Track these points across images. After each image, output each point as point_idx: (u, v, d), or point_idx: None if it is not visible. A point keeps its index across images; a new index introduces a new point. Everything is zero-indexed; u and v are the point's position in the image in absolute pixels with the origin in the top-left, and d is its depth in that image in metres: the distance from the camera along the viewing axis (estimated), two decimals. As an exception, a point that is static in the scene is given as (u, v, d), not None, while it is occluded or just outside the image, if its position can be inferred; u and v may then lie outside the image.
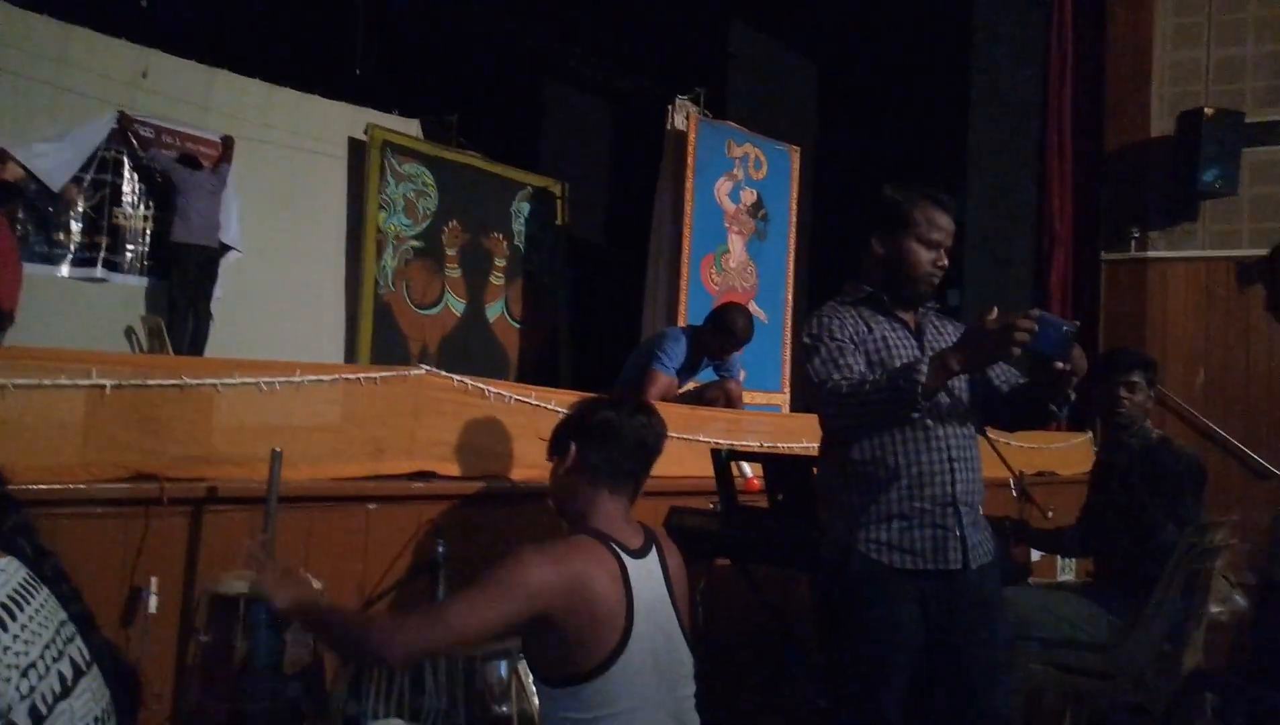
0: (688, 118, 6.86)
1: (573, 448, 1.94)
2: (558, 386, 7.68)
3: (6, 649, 1.06)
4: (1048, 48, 7.08)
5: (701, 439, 3.88)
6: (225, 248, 6.90)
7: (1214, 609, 3.03)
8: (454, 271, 7.64)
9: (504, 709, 2.33)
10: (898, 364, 2.22)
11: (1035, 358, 2.09)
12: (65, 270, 6.44)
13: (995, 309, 2.11)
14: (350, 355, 7.04)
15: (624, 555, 1.90)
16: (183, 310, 6.58)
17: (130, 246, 6.74)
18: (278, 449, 2.43)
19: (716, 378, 4.80)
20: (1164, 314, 6.78)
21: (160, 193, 6.78)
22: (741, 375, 5.03)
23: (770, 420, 4.74)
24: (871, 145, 7.80)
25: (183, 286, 6.58)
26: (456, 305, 7.67)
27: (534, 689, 2.33)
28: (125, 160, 6.66)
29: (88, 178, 6.50)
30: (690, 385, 4.73)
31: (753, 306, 7.05)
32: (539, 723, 2.21)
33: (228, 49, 7.08)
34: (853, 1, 7.30)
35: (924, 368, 2.08)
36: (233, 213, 6.94)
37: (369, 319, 7.05)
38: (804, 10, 7.48)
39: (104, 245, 6.58)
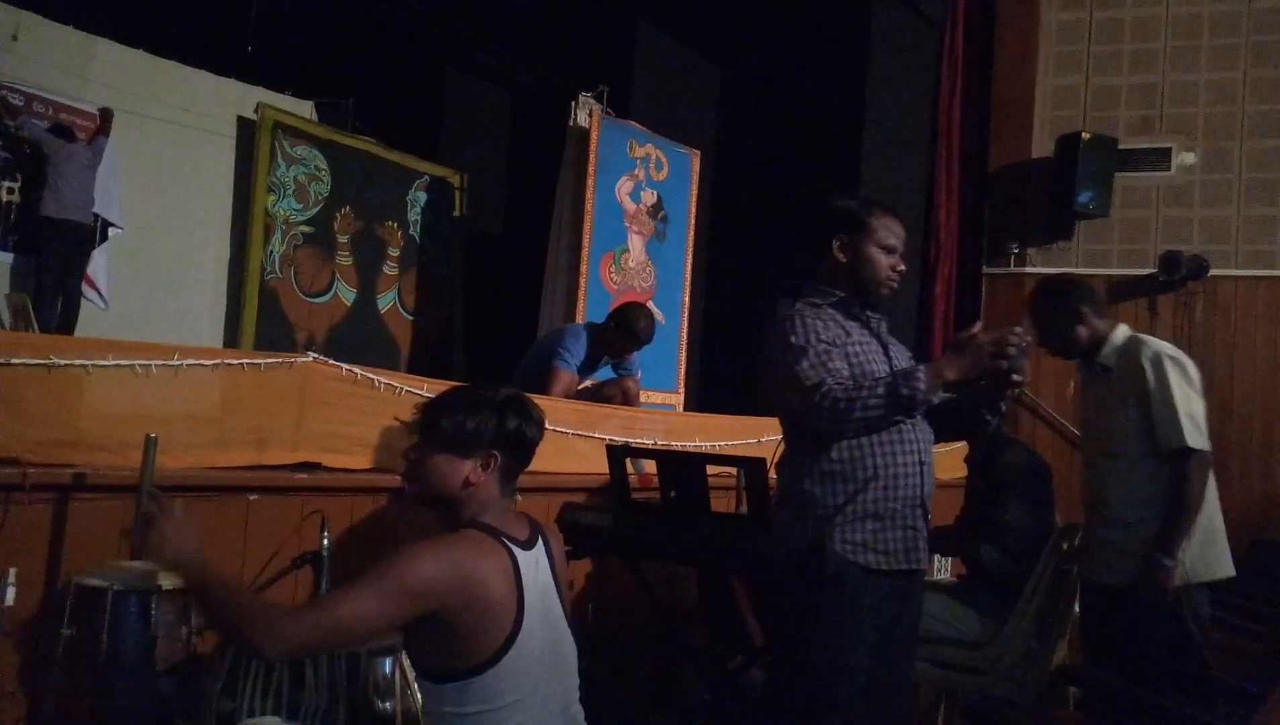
0: (590, 115, 6.84)
1: (497, 457, 1.87)
2: (451, 380, 7.64)
3: None
4: (939, 67, 7.35)
5: (596, 436, 3.88)
6: (103, 224, 6.55)
7: (1079, 608, 3.18)
8: (345, 259, 7.44)
9: (388, 705, 2.27)
10: (872, 371, 2.27)
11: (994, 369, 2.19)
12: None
13: (979, 323, 2.23)
14: (232, 341, 6.76)
15: (514, 548, 1.88)
16: (51, 289, 6.21)
17: (-7, 219, 6.36)
18: (152, 435, 2.31)
19: (614, 376, 4.81)
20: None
21: (30, 164, 6.39)
22: (638, 375, 5.06)
23: (665, 419, 4.78)
24: (769, 151, 7.95)
25: (52, 264, 6.21)
26: (347, 294, 7.46)
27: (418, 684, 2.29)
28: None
29: None
30: (588, 383, 4.72)
31: (651, 306, 7.09)
32: (422, 719, 2.17)
33: (110, 16, 6.72)
34: (756, 9, 7.41)
35: (921, 376, 2.16)
36: (112, 188, 6.59)
37: (253, 305, 6.80)
38: (709, 14, 7.56)
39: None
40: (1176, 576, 2.67)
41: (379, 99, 8.12)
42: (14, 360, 2.40)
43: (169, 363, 2.65)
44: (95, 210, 6.43)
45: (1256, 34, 6.87)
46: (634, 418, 4.32)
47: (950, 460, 6.11)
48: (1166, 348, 2.84)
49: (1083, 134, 6.89)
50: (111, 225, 6.61)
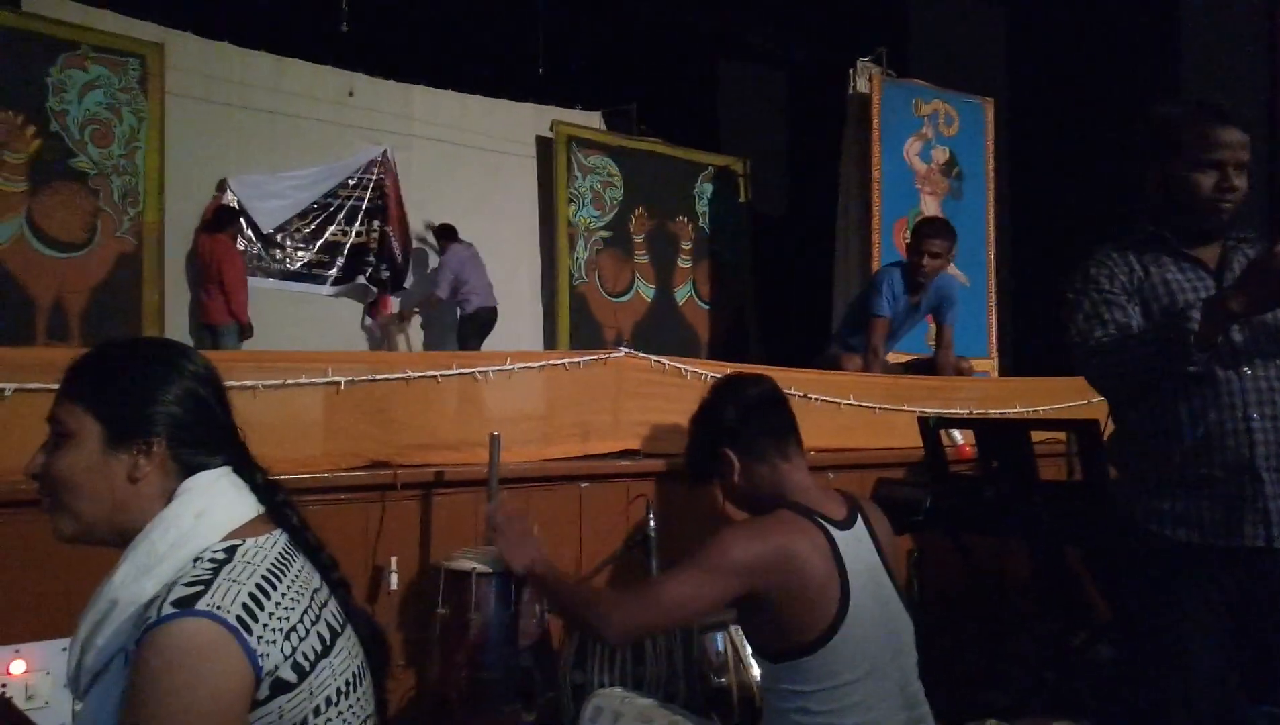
0: (870, 80, 6.66)
1: (730, 456, 1.91)
2: (748, 363, 7.76)
3: (272, 614, 1.16)
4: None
5: (906, 409, 3.78)
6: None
7: None
8: (642, 258, 7.78)
9: (723, 680, 2.36)
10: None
11: None
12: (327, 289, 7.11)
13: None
14: (550, 345, 7.32)
15: (829, 526, 1.86)
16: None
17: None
18: (496, 433, 2.56)
19: (938, 326, 4.62)
20: None
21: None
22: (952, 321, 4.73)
23: (980, 385, 4.54)
24: (1072, 90, 7.29)
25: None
26: (647, 291, 7.80)
27: (752, 661, 2.36)
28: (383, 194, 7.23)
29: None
30: (917, 356, 4.59)
31: (953, 270, 6.78)
32: (760, 695, 2.23)
33: (423, 66, 7.50)
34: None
35: (1196, 314, 1.85)
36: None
37: (566, 310, 7.30)
38: (987, -47, 7.08)
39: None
40: None
41: (660, 100, 8.40)
42: (379, 376, 2.75)
43: (503, 368, 2.92)
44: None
45: None
46: (944, 387, 4.16)
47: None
48: None
49: None
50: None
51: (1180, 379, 1.96)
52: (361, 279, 7.30)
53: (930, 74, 6.93)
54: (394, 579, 2.59)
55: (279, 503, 1.34)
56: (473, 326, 7.19)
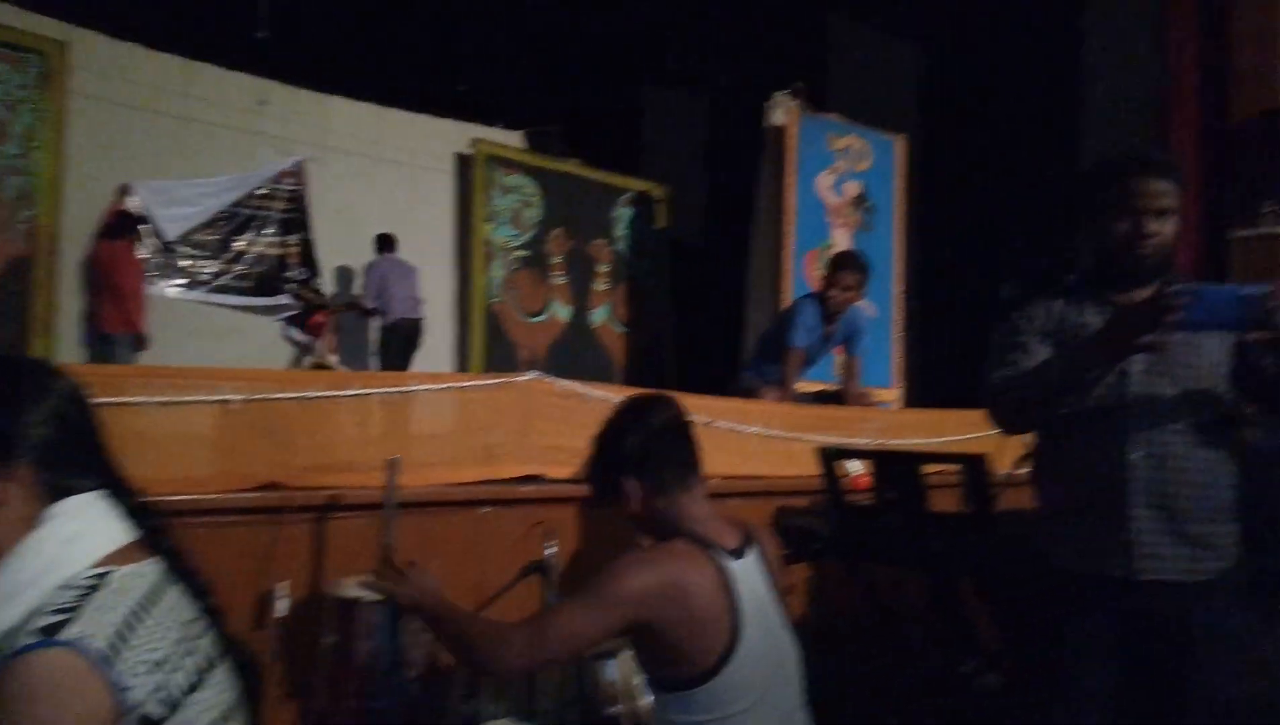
0: (786, 113, 6.80)
1: (629, 485, 1.90)
2: (664, 388, 7.80)
3: (140, 646, 1.12)
4: (1165, 18, 6.75)
5: (808, 438, 3.84)
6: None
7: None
8: (559, 279, 7.78)
9: (615, 710, 2.35)
10: None
11: (1213, 333, 1.94)
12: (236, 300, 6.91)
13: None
14: (463, 364, 7.25)
15: (722, 557, 1.87)
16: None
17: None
18: (395, 457, 2.52)
19: (847, 356, 4.80)
20: (1304, 292, 6.36)
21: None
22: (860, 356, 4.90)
23: (882, 416, 4.66)
24: (980, 129, 7.57)
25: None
26: (563, 312, 7.80)
27: (644, 690, 2.36)
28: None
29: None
30: (827, 386, 4.74)
31: (861, 301, 6.95)
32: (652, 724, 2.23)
33: (343, 74, 7.40)
34: (953, -17, 7.11)
35: (1069, 355, 2.00)
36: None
37: (480, 329, 7.25)
38: (903, -5, 7.33)
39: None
40: None
41: (583, 122, 8.44)
42: (273, 395, 2.69)
43: (404, 389, 2.88)
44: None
45: None
46: (852, 417, 4.25)
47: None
48: None
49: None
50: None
51: (1070, 418, 2.05)
52: (284, 295, 7.14)
53: (845, 109, 7.12)
54: (283, 605, 2.52)
55: (154, 528, 1.30)
56: (394, 339, 7.08)
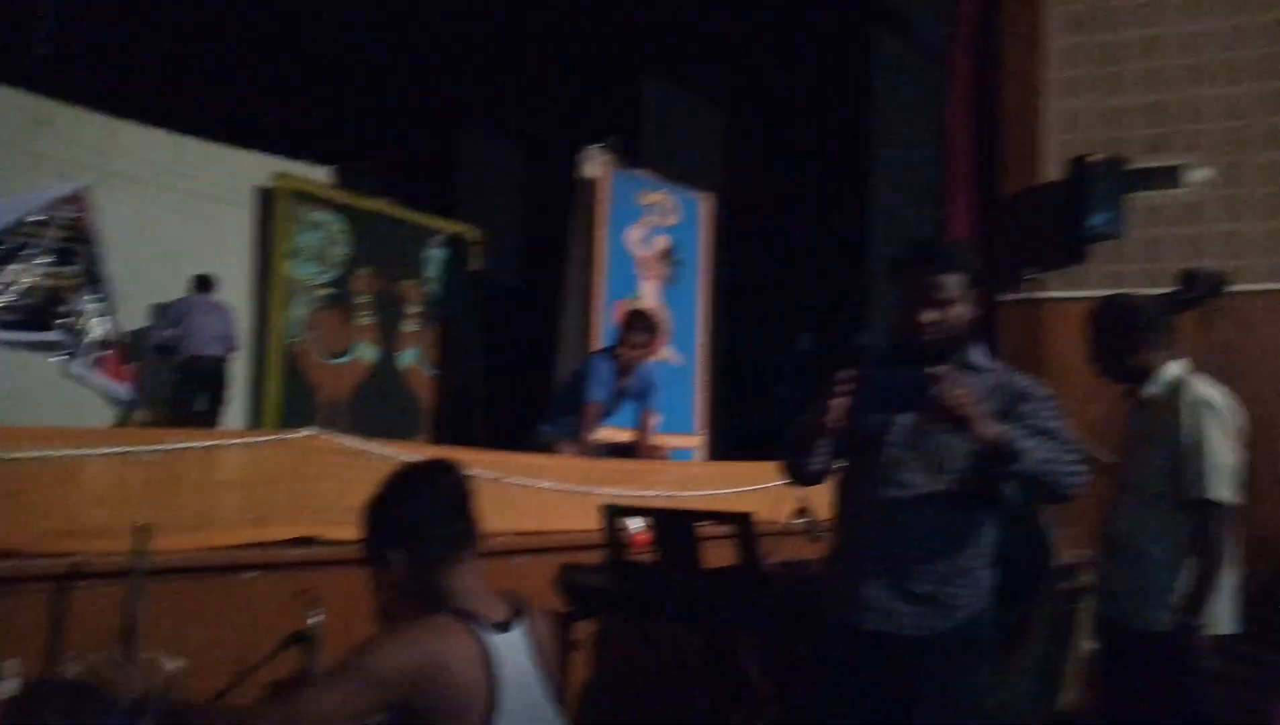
0: (599, 166, 6.94)
1: (399, 554, 1.86)
2: (473, 433, 7.72)
3: None
4: (945, 97, 7.36)
5: (600, 491, 3.89)
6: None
7: (1087, 646, 3.12)
8: (366, 319, 7.58)
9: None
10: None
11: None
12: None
13: (851, 371, 2.18)
14: (258, 405, 6.91)
15: (485, 632, 1.85)
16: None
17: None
18: (143, 524, 2.38)
19: (640, 409, 4.90)
20: (1058, 353, 7.01)
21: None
22: (657, 413, 5.06)
23: (675, 469, 4.78)
24: (780, 191, 7.98)
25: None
26: (368, 353, 7.59)
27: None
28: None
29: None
30: (626, 437, 4.84)
31: (667, 351, 7.13)
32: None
33: (134, 99, 6.99)
34: (759, 53, 7.49)
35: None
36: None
37: (277, 370, 6.95)
38: (714, 61, 7.66)
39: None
40: (1169, 622, 2.58)
41: (395, 160, 8.31)
42: (14, 454, 2.48)
43: (160, 447, 2.72)
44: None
45: (1261, 46, 6.80)
46: (642, 471, 4.34)
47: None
48: (1211, 395, 2.68)
49: (1090, 156, 6.85)
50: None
51: (844, 477, 2.33)
52: (54, 331, 6.60)
53: (656, 165, 7.34)
54: (12, 685, 2.31)
55: None
56: (189, 377, 6.71)
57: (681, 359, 7.23)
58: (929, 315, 2.27)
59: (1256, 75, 6.82)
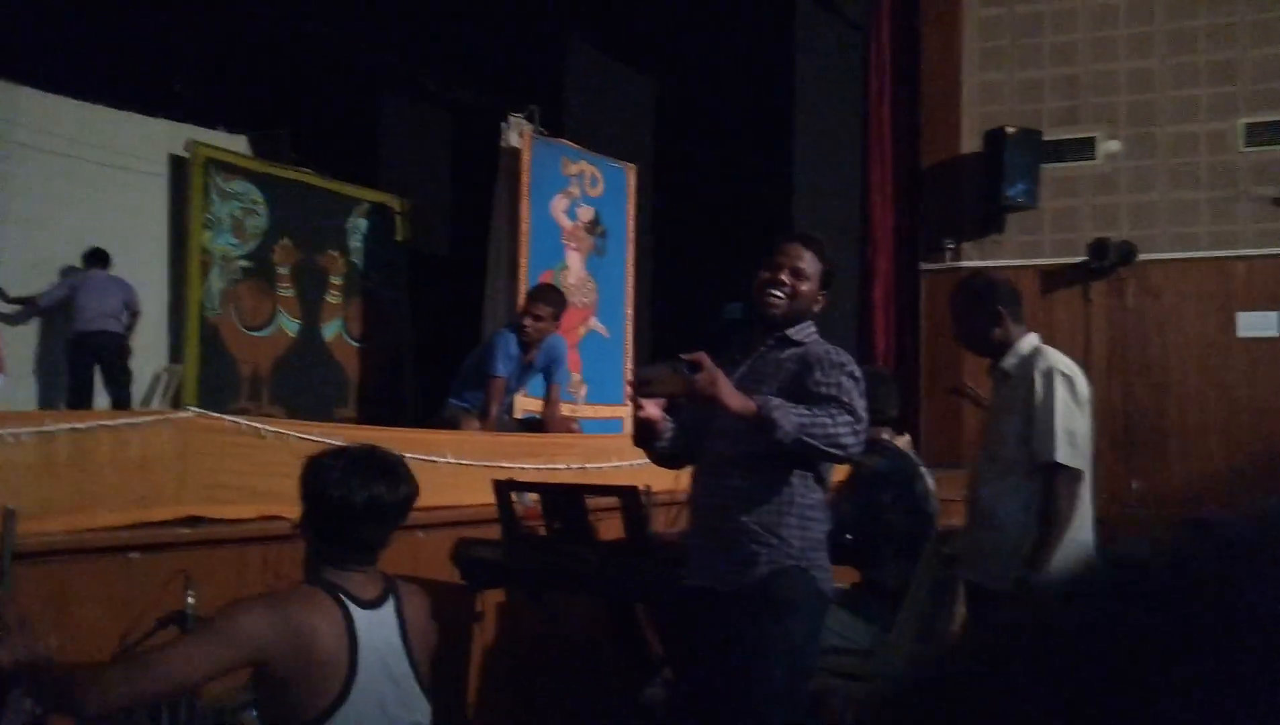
0: (521, 135, 6.89)
1: (309, 535, 1.97)
2: (402, 405, 7.68)
3: None
4: (866, 69, 7.42)
5: (505, 465, 3.91)
6: None
7: (962, 610, 3.23)
8: (287, 291, 7.46)
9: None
10: None
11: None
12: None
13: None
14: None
15: (351, 606, 1.92)
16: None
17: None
18: (10, 507, 2.35)
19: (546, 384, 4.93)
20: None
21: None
22: (560, 383, 5.11)
23: (582, 443, 4.81)
24: (705, 161, 7.99)
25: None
26: (290, 325, 7.48)
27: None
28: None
29: None
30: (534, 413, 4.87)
31: (593, 322, 7.16)
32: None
33: (35, 65, 6.76)
34: (685, 21, 7.47)
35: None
36: None
37: (195, 343, 6.83)
38: (639, 29, 7.61)
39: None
40: (1013, 580, 2.69)
41: (316, 129, 8.14)
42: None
43: (42, 429, 2.69)
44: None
45: (1169, 21, 6.95)
46: (551, 444, 4.37)
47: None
48: (1063, 363, 2.83)
49: (1007, 128, 6.97)
50: None
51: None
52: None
53: (581, 136, 7.30)
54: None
55: None
56: (81, 353, 6.60)
57: (609, 331, 7.25)
58: (782, 277, 2.43)
59: (1166, 49, 6.97)
